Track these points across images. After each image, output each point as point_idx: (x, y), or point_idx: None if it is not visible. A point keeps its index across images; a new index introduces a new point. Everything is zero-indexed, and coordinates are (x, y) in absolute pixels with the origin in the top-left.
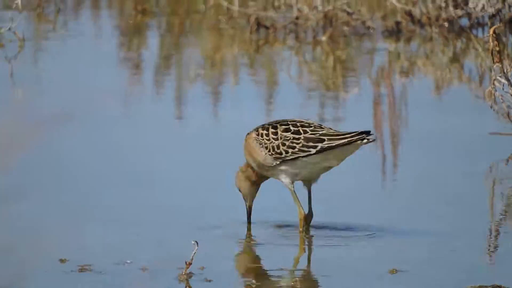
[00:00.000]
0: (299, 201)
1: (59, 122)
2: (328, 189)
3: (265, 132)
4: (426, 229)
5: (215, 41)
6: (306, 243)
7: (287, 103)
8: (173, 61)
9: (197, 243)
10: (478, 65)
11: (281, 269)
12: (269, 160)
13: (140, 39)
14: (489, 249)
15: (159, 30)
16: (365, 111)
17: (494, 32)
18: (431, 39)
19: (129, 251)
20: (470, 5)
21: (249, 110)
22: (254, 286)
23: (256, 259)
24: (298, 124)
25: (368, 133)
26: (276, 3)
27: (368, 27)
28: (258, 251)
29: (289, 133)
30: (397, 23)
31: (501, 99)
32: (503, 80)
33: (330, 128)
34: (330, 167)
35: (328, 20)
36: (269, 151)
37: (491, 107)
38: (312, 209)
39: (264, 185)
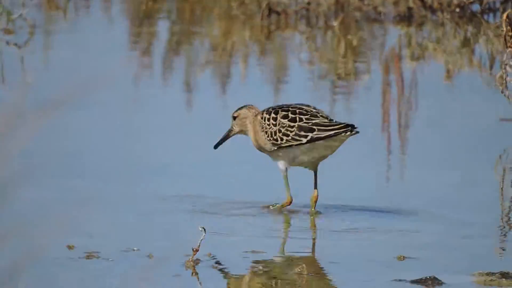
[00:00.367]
0: (288, 187)
1: (68, 107)
2: (336, 175)
3: (267, 116)
4: (434, 215)
5: (226, 27)
6: (314, 229)
7: (298, 89)
8: (184, 47)
9: (204, 230)
10: (489, 51)
11: (289, 255)
12: (268, 145)
13: (151, 25)
14: (498, 236)
15: (169, 16)
16: (376, 97)
17: (507, 17)
18: (442, 24)
19: (136, 238)
20: None
21: (260, 95)
22: (261, 272)
23: (263, 245)
24: (297, 111)
25: (353, 126)
26: None
27: (380, 13)
28: (265, 237)
29: (286, 120)
30: (409, 9)
31: None
32: None
33: (324, 117)
34: (324, 156)
35: (340, 5)
36: (268, 136)
37: (502, 92)
38: (318, 191)
39: (274, 172)
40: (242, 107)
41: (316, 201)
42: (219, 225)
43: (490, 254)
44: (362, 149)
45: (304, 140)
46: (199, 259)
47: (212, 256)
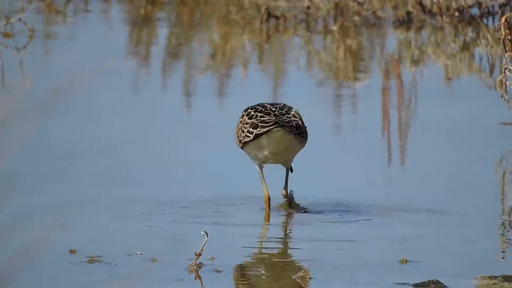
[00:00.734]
0: (265, 182)
1: (66, 110)
2: (337, 177)
3: (241, 114)
4: (435, 218)
5: (225, 31)
6: (316, 233)
7: (297, 93)
8: (183, 52)
9: (207, 234)
10: (488, 54)
11: (291, 260)
12: (236, 142)
13: (150, 29)
14: (500, 240)
15: (169, 20)
16: (375, 101)
17: (506, 20)
18: (441, 28)
19: (139, 242)
20: None
21: (259, 99)
22: (264, 276)
23: (266, 249)
24: (260, 109)
25: (280, 123)
26: None
27: (379, 17)
28: (269, 241)
29: (247, 117)
30: (408, 13)
31: None
32: None
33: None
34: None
35: (339, 10)
36: (236, 133)
37: (501, 96)
38: (290, 192)
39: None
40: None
41: (285, 199)
42: (222, 228)
43: (492, 257)
44: (362, 152)
45: (251, 137)
46: (202, 263)
47: (215, 260)
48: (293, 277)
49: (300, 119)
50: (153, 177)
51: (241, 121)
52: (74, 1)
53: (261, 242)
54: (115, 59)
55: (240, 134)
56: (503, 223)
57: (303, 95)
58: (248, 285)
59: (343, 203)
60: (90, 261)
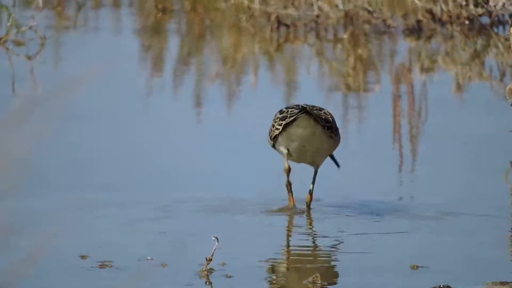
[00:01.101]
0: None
1: (78, 118)
2: (346, 184)
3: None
4: (446, 225)
5: (235, 39)
6: (327, 237)
7: (308, 101)
8: (193, 59)
9: (217, 239)
10: (499, 63)
11: (303, 264)
12: (268, 141)
13: (160, 37)
14: (511, 245)
15: (179, 28)
16: (386, 109)
17: None
18: (451, 37)
19: (150, 248)
20: (491, 3)
21: (270, 107)
22: (275, 281)
23: (278, 254)
24: (292, 105)
25: (306, 110)
26: (297, 2)
27: (389, 26)
28: (280, 246)
29: (279, 114)
30: (418, 22)
31: None
32: None
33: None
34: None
35: (349, 18)
36: (268, 133)
37: (511, 105)
38: (313, 193)
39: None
40: None
41: (308, 203)
42: (233, 234)
43: (503, 263)
44: (373, 158)
45: (280, 128)
46: (212, 269)
47: (226, 265)
48: (305, 281)
49: (332, 117)
50: (163, 182)
51: (274, 119)
52: (84, 9)
53: (272, 247)
54: (126, 67)
55: (271, 130)
56: None
57: (313, 103)
58: None
59: (353, 209)
60: (101, 266)
